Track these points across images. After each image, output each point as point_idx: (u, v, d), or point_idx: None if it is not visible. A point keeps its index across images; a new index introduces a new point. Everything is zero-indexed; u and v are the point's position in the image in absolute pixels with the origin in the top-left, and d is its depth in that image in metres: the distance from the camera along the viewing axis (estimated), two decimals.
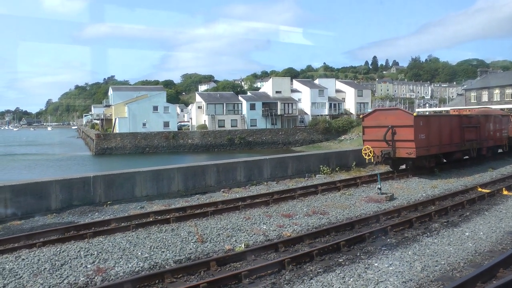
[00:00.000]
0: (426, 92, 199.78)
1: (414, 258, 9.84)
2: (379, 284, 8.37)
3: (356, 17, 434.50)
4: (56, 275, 8.88)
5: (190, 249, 10.40)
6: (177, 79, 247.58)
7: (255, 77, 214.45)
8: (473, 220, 13.17)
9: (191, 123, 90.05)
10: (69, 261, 9.61)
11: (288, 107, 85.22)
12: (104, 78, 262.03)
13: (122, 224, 12.48)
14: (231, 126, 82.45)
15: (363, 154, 20.69)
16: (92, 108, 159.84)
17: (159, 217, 13.09)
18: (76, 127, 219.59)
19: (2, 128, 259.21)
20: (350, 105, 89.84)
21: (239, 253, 9.92)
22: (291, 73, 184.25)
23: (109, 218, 13.03)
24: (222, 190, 18.06)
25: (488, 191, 17.25)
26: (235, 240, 11.12)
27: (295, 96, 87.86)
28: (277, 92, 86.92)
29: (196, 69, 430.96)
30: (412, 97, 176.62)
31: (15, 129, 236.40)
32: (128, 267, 9.25)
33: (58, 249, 10.36)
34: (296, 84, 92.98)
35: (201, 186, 18.07)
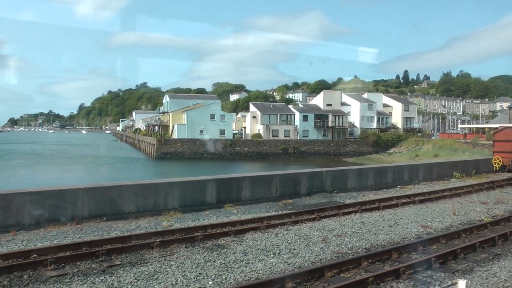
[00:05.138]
0: (458, 108, 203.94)
1: None
2: None
3: (382, 30, 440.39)
4: (399, 229, 14.82)
5: (455, 218, 16.46)
6: (208, 87, 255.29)
7: (287, 88, 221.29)
8: None
9: (245, 131, 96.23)
10: (397, 221, 15.62)
11: (339, 119, 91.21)
12: (137, 85, 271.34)
13: (382, 204, 18.58)
14: (284, 136, 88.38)
15: (493, 163, 26.69)
16: (134, 114, 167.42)
17: (404, 201, 19.27)
18: (109, 131, 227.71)
19: (35, 130, 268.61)
20: (396, 119, 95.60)
21: (493, 221, 15.89)
22: (323, 85, 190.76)
23: (373, 199, 19.23)
24: (399, 186, 24.17)
25: None
26: (472, 216, 17.13)
27: (344, 109, 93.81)
28: (328, 104, 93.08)
29: (225, 78, 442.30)
30: (444, 112, 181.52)
31: (50, 131, 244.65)
32: (438, 225, 15.27)
33: (378, 214, 16.52)
34: (345, 98, 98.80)
35: (383, 183, 24.21)
